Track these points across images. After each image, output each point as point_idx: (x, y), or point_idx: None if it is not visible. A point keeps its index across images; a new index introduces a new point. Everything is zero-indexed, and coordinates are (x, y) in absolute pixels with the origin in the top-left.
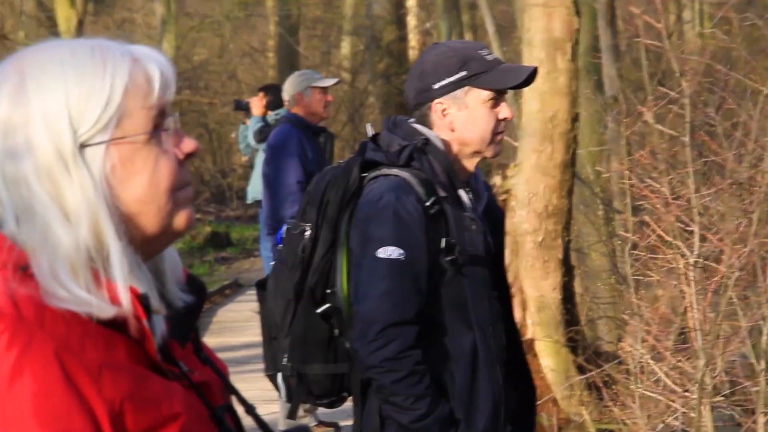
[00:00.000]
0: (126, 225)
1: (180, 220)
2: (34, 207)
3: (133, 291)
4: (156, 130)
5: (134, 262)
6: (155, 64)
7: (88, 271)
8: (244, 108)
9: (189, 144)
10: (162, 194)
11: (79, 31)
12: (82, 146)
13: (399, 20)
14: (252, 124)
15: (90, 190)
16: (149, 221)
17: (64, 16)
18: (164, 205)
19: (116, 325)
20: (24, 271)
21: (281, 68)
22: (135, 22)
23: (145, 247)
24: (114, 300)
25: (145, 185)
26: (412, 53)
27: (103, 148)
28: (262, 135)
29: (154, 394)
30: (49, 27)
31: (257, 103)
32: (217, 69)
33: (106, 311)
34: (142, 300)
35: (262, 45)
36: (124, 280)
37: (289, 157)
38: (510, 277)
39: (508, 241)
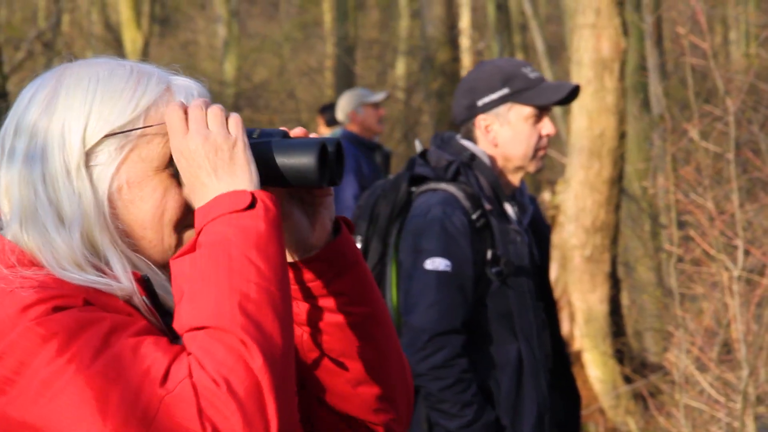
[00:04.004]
0: (129, 243)
1: None
2: (37, 210)
3: (134, 275)
4: (173, 161)
5: (139, 262)
6: (182, 99)
7: (90, 266)
8: None
9: None
10: (166, 225)
11: (145, 52)
12: (89, 164)
13: (452, 41)
14: None
15: (88, 203)
16: (152, 249)
17: (131, 37)
18: (168, 237)
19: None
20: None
21: (338, 87)
22: (198, 44)
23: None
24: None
25: (150, 212)
26: (465, 73)
27: (113, 168)
28: None
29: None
30: (116, 48)
31: None
32: (276, 88)
33: (123, 289)
34: (143, 283)
35: (320, 65)
36: (126, 276)
37: (346, 173)
38: (558, 291)
39: (557, 255)
